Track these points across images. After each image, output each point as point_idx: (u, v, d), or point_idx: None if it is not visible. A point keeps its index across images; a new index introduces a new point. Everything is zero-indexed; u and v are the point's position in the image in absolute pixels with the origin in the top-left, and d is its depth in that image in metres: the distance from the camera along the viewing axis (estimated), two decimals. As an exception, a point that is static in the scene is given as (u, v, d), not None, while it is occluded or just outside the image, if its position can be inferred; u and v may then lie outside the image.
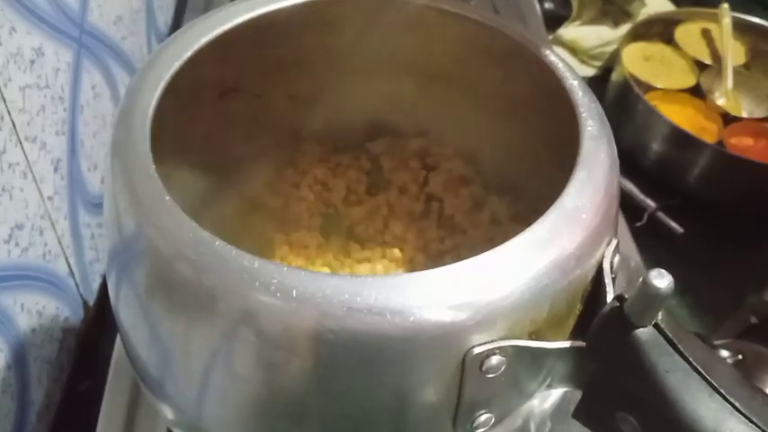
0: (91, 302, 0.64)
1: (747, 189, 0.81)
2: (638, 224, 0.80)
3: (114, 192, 0.34)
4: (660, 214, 0.81)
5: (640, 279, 0.28)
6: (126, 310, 0.37)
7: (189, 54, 0.39)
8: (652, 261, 0.69)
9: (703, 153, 0.81)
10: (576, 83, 0.39)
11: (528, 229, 0.31)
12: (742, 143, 0.84)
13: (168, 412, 0.39)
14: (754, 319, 0.71)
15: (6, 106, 0.48)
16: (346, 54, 0.50)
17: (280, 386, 0.32)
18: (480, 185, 0.54)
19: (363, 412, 0.33)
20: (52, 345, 0.57)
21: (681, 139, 0.82)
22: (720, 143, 0.82)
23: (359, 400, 0.32)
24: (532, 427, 0.38)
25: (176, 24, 0.92)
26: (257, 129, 0.53)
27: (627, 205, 0.80)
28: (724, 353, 0.64)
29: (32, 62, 0.51)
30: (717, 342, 0.67)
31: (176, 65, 0.39)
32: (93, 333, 0.62)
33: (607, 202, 0.34)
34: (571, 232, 0.32)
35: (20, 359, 0.51)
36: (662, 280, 0.28)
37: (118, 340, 0.55)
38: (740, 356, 0.64)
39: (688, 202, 0.82)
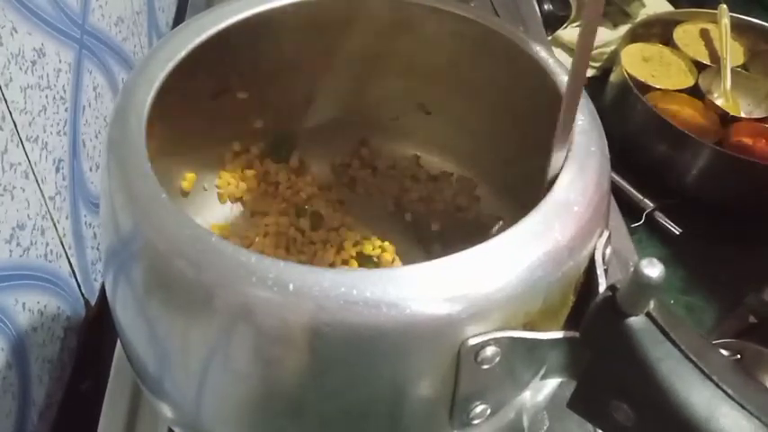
0: (93, 302, 0.64)
1: (746, 189, 0.81)
2: (636, 224, 0.80)
3: (110, 190, 0.34)
4: (658, 214, 0.81)
5: (632, 268, 0.28)
6: (124, 309, 0.37)
7: (185, 53, 0.40)
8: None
9: (702, 153, 0.81)
10: (566, 78, 0.40)
11: (521, 222, 0.32)
12: (740, 143, 0.84)
13: (167, 411, 0.39)
14: (752, 319, 0.71)
15: (8, 106, 0.48)
16: (343, 54, 0.50)
17: (277, 380, 0.33)
18: (474, 181, 0.54)
19: (360, 405, 0.33)
20: (54, 344, 0.57)
21: (679, 140, 0.82)
22: (719, 143, 0.82)
23: (356, 392, 0.32)
24: (525, 419, 0.38)
25: (178, 25, 0.93)
26: (252, 128, 0.54)
27: (625, 205, 0.80)
28: (723, 352, 0.64)
29: (34, 63, 0.52)
30: (715, 341, 0.67)
31: (172, 64, 0.39)
32: (95, 332, 0.62)
33: (599, 194, 0.34)
34: (564, 224, 0.32)
35: (21, 358, 0.52)
36: (653, 269, 0.28)
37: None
38: (739, 356, 0.64)
39: (686, 202, 0.83)
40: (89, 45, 0.62)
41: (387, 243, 0.54)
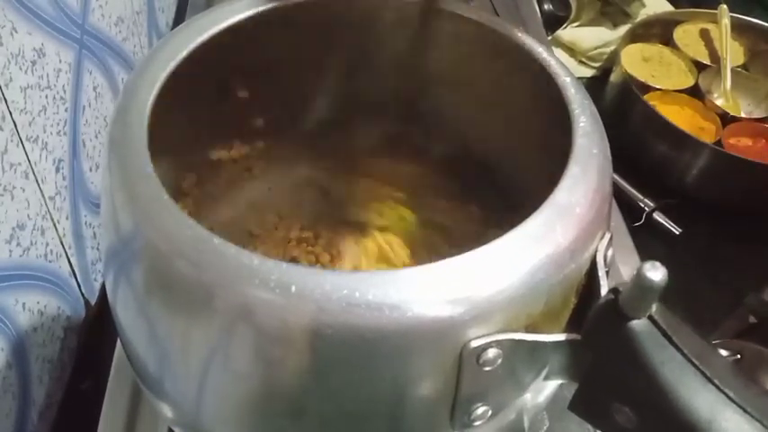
0: (93, 301, 0.64)
1: (746, 189, 0.81)
2: (637, 224, 0.80)
3: (111, 190, 0.34)
4: (658, 214, 0.81)
5: (634, 271, 0.28)
6: (124, 309, 0.37)
7: (186, 52, 0.40)
8: (651, 261, 0.69)
9: (702, 153, 0.81)
10: (568, 80, 0.40)
11: (523, 224, 0.32)
12: (740, 143, 0.84)
13: (168, 411, 0.39)
14: (752, 319, 0.71)
15: (8, 106, 0.48)
16: (343, 53, 0.50)
17: (278, 382, 0.33)
18: (474, 182, 0.54)
19: (362, 407, 0.33)
20: (54, 344, 0.57)
21: (679, 140, 0.82)
22: (719, 143, 0.82)
23: (357, 394, 0.32)
24: (526, 419, 0.38)
25: (178, 25, 0.93)
26: (252, 127, 0.53)
27: (625, 205, 0.80)
28: (723, 352, 0.64)
29: (34, 63, 0.52)
30: (715, 341, 0.67)
31: (173, 64, 0.39)
32: (95, 332, 0.62)
33: (600, 196, 0.34)
34: (565, 227, 0.32)
35: (21, 358, 0.52)
36: (656, 272, 0.28)
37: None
38: (739, 356, 0.65)
39: (686, 202, 0.83)
40: (89, 45, 0.62)
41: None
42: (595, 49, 1.01)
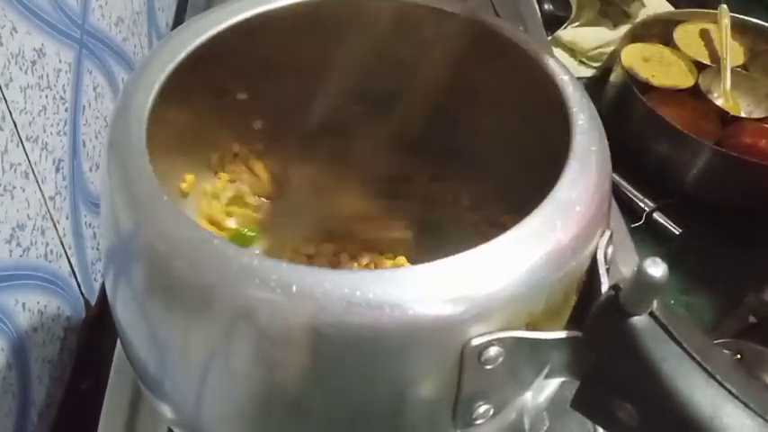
0: (93, 301, 0.64)
1: (746, 189, 0.81)
2: (637, 225, 0.80)
3: (111, 190, 0.34)
4: (658, 215, 0.81)
5: (635, 268, 0.28)
6: (124, 310, 0.37)
7: (185, 53, 0.40)
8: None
9: (702, 153, 0.81)
10: (566, 78, 0.40)
11: (522, 222, 0.32)
12: (741, 143, 0.84)
13: (168, 412, 0.39)
14: (752, 319, 0.71)
15: (8, 106, 0.48)
16: (342, 54, 0.50)
17: (279, 382, 0.33)
18: (472, 182, 0.54)
19: (363, 406, 0.33)
20: (53, 344, 0.57)
21: (679, 140, 0.82)
22: (719, 143, 0.82)
23: (359, 394, 0.32)
24: (526, 419, 0.38)
25: (178, 25, 0.93)
26: (251, 129, 0.53)
27: (625, 206, 0.80)
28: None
29: (34, 63, 0.52)
30: (715, 341, 0.67)
31: (172, 64, 0.39)
32: (95, 332, 0.62)
33: (600, 193, 0.34)
34: (565, 224, 0.32)
35: (21, 358, 0.52)
36: (656, 268, 0.28)
37: (119, 339, 0.56)
38: (739, 356, 0.65)
39: (686, 202, 0.83)
40: (89, 45, 0.62)
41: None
42: (595, 49, 1.01)
